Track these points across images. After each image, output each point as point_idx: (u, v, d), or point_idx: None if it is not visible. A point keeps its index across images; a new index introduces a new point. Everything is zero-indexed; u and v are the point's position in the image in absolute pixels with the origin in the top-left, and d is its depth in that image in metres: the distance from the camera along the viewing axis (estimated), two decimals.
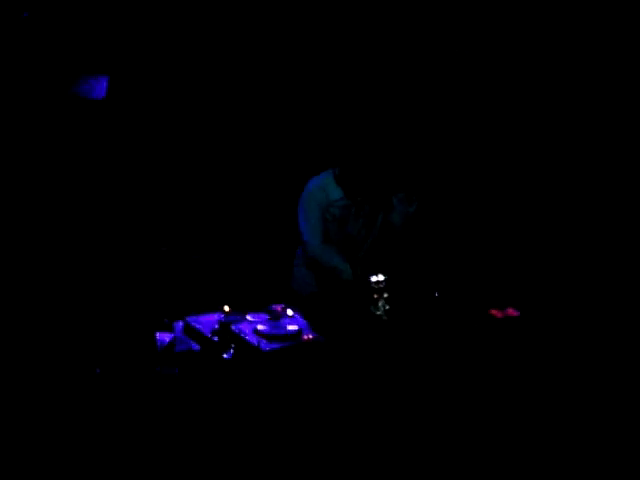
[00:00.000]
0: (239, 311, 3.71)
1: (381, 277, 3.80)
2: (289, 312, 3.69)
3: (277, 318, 3.62)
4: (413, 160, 4.63)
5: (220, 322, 3.52)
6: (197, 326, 3.53)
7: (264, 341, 3.44)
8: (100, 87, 4.69)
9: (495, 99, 5.05)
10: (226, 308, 3.69)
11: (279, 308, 3.73)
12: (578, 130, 4.90)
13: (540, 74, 4.98)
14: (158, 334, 3.39)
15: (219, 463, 3.25)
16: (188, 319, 3.57)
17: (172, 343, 3.39)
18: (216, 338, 3.46)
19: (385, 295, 3.78)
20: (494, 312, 3.85)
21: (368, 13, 5.01)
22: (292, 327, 3.59)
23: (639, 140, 4.76)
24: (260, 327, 3.53)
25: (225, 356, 3.39)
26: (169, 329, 3.51)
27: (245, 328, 3.51)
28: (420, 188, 4.12)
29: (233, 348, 3.41)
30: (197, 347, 3.46)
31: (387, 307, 3.78)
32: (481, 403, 3.58)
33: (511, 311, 3.88)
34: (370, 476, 3.38)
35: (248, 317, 3.63)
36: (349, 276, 3.88)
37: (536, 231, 4.78)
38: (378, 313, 3.77)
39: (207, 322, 3.58)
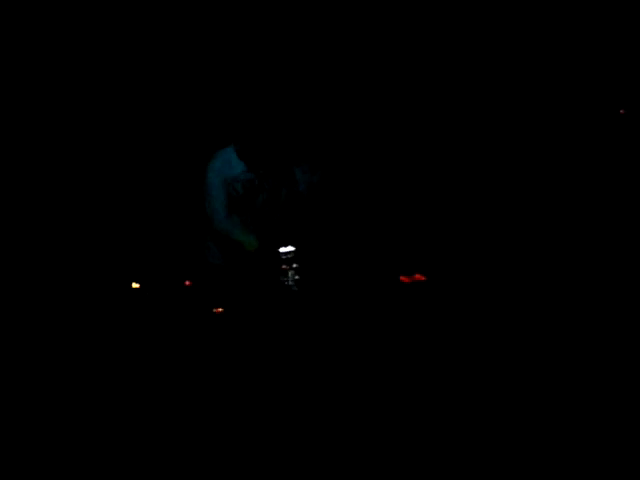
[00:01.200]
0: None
1: (290, 248, 3.80)
2: None
3: None
4: (315, 131, 4.47)
5: None
6: None
7: None
8: None
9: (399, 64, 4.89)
10: (135, 285, 3.73)
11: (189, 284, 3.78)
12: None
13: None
14: None
15: None
16: None
17: None
18: None
19: (294, 266, 3.81)
20: (403, 278, 3.91)
21: None
22: None
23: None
24: None
25: None
26: None
27: None
28: (324, 158, 4.03)
29: None
30: None
31: (297, 277, 3.82)
32: (395, 368, 3.69)
33: (418, 276, 3.93)
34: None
35: None
36: (253, 247, 3.87)
37: (443, 195, 4.71)
38: (288, 284, 3.81)
39: None
